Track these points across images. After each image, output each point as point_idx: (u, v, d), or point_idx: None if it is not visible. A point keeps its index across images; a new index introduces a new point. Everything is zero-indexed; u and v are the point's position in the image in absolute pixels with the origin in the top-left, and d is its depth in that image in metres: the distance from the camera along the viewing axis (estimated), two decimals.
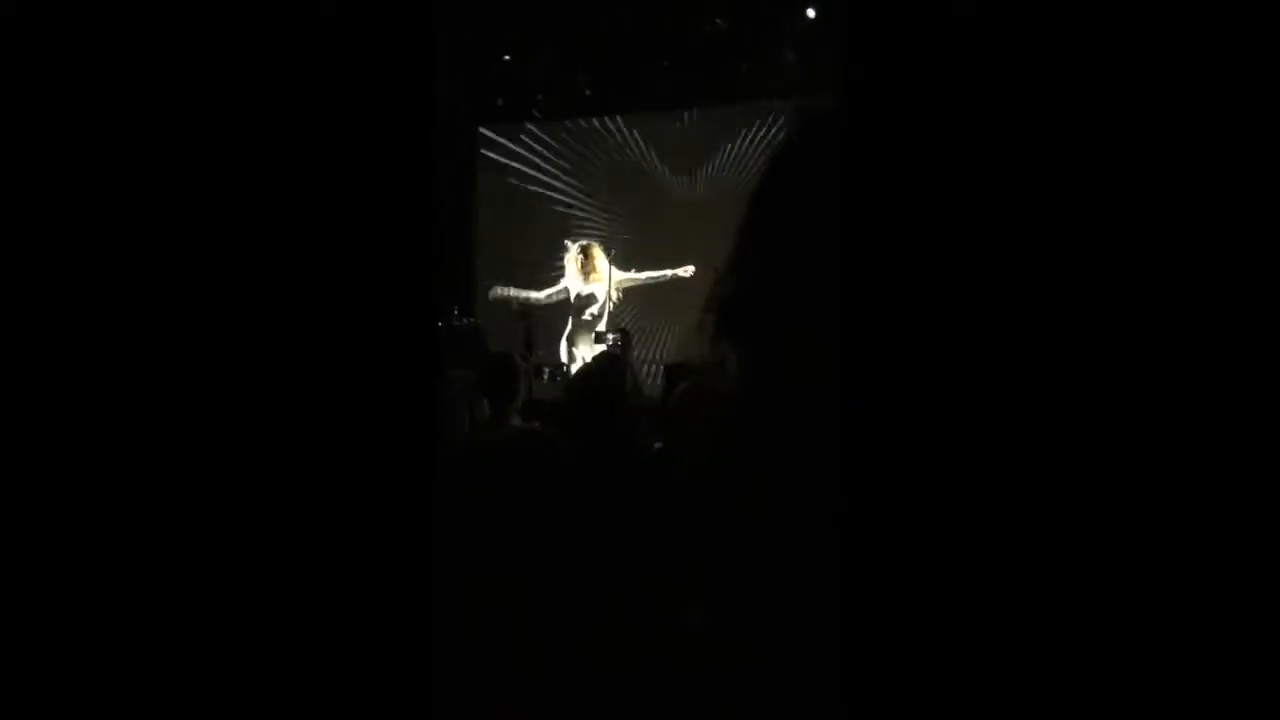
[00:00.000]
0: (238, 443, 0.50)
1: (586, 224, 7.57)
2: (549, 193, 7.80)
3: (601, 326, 6.22)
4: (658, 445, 2.42)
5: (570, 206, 7.70)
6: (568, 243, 6.46)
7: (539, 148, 7.86)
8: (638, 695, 0.43)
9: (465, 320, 6.16)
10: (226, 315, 0.50)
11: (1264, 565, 0.33)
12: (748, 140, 7.26)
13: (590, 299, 6.24)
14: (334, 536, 0.50)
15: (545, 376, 5.65)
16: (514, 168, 7.88)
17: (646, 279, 6.40)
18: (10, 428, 0.49)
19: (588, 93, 7.25)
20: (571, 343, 6.21)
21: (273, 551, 0.50)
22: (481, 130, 7.85)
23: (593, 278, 6.26)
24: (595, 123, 7.65)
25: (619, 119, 7.60)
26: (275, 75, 0.51)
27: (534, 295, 6.28)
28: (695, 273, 6.20)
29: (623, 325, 6.42)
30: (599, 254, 6.35)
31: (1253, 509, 0.33)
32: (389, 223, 0.51)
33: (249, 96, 0.50)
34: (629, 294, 6.66)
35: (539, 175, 7.85)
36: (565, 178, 7.80)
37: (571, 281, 6.32)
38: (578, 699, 0.46)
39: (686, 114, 7.41)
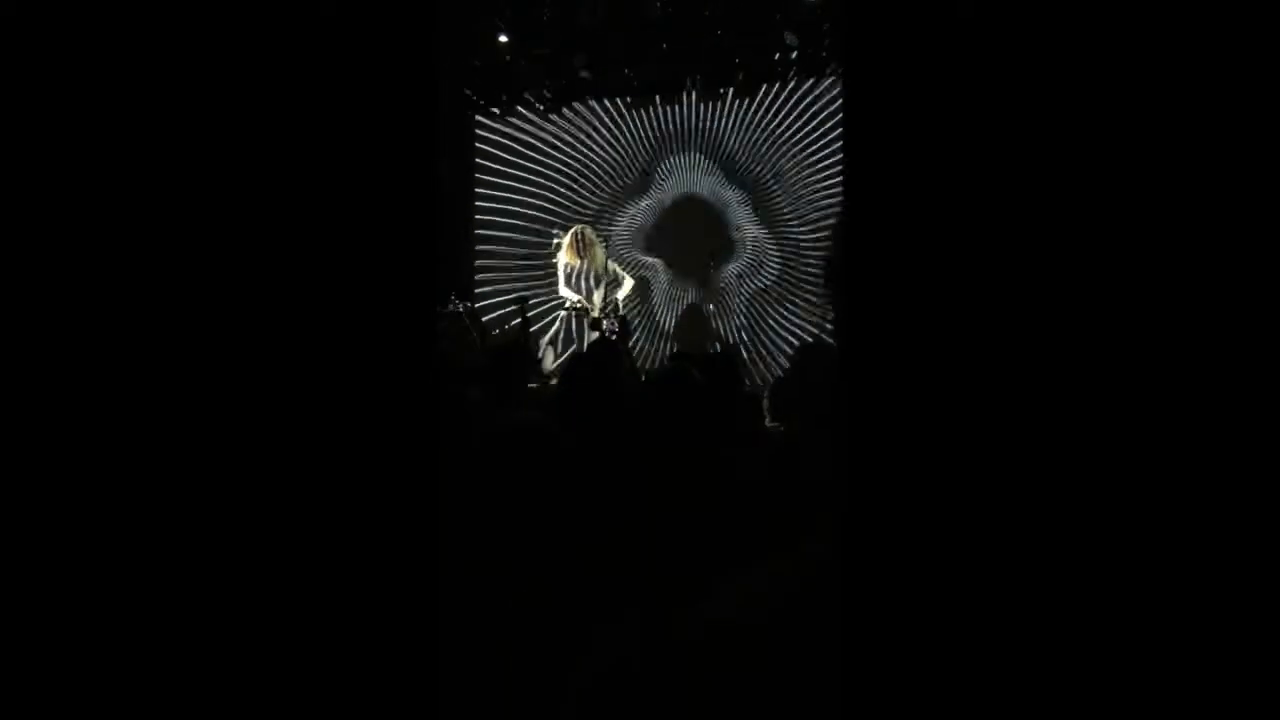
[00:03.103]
0: (238, 433, 0.49)
1: (583, 210, 7.55)
2: (545, 177, 7.78)
3: (596, 312, 6.20)
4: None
5: (566, 191, 7.68)
6: (555, 232, 6.43)
7: (535, 131, 7.83)
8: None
9: (463, 305, 6.14)
10: (225, 302, 0.49)
11: (1260, 566, 0.33)
12: (746, 122, 7.24)
13: (586, 284, 6.22)
14: (340, 525, 0.50)
15: (550, 359, 5.64)
16: (510, 151, 7.86)
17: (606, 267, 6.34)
18: (13, 427, 0.49)
19: (584, 75, 7.20)
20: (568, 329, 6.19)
21: (278, 536, 0.50)
22: (478, 117, 7.82)
23: (587, 263, 6.23)
24: (593, 106, 7.63)
25: (616, 102, 7.57)
26: (275, 69, 0.50)
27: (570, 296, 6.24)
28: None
29: (621, 312, 6.40)
30: (594, 238, 6.32)
31: (1249, 512, 0.34)
32: (390, 215, 0.51)
33: (251, 89, 0.49)
34: (627, 279, 6.65)
35: (535, 158, 7.83)
36: (562, 161, 7.78)
37: (566, 267, 6.29)
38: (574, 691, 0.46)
39: (686, 96, 7.38)
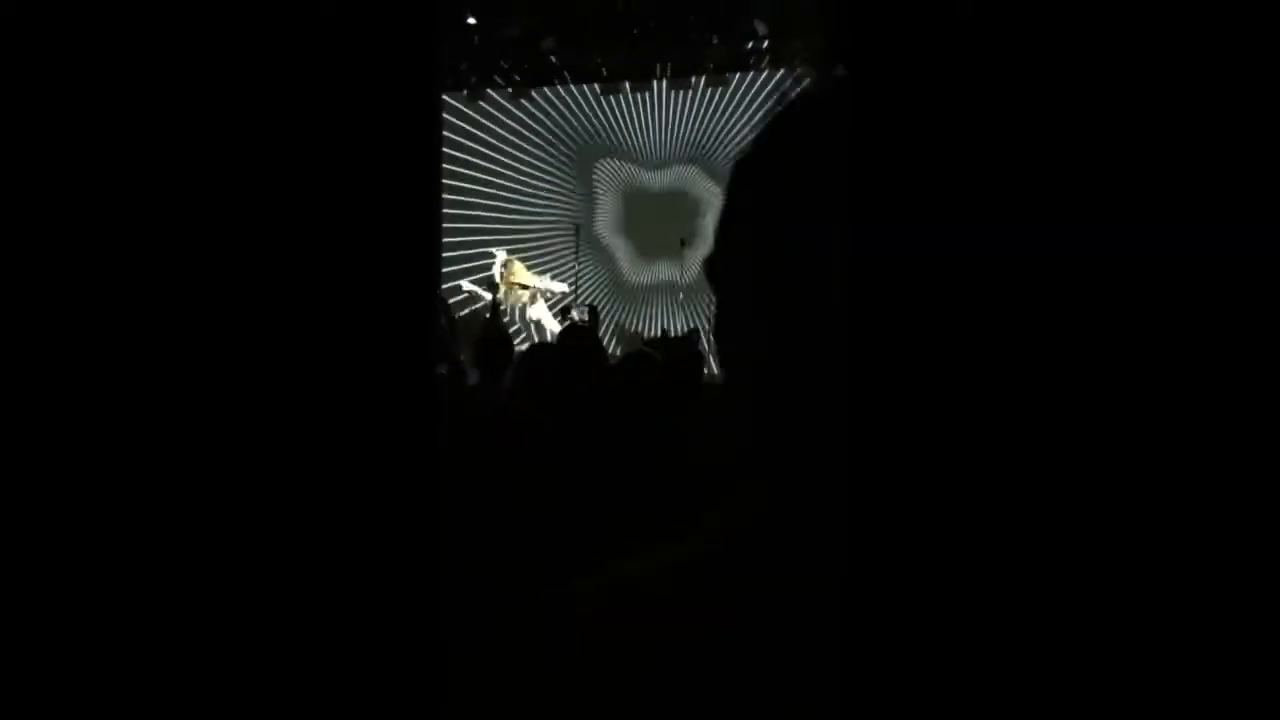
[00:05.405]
0: (237, 433, 0.49)
1: (551, 199, 7.51)
2: (511, 164, 7.72)
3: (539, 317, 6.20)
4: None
5: (533, 179, 7.63)
6: (495, 251, 6.40)
7: (501, 117, 7.77)
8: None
9: None
10: (223, 299, 0.49)
11: (1263, 568, 0.34)
12: (716, 110, 7.26)
13: (512, 308, 6.23)
14: (335, 521, 0.50)
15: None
16: (477, 138, 7.79)
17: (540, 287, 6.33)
18: (10, 428, 0.49)
19: (553, 60, 7.15)
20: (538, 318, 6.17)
21: (275, 536, 0.50)
22: (444, 98, 7.73)
23: (512, 292, 6.24)
24: (561, 91, 7.58)
25: (585, 88, 7.54)
26: (273, 65, 0.50)
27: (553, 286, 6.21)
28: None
29: (591, 302, 6.39)
30: (516, 268, 6.33)
31: (1252, 515, 0.33)
32: (389, 210, 0.51)
33: (243, 85, 0.49)
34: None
35: (501, 146, 7.77)
36: (528, 148, 7.73)
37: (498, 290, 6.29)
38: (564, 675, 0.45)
39: (655, 84, 7.37)
